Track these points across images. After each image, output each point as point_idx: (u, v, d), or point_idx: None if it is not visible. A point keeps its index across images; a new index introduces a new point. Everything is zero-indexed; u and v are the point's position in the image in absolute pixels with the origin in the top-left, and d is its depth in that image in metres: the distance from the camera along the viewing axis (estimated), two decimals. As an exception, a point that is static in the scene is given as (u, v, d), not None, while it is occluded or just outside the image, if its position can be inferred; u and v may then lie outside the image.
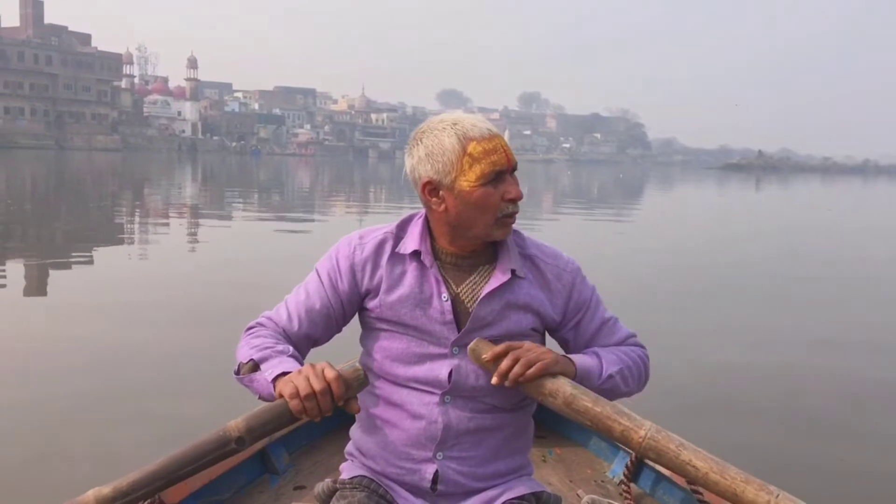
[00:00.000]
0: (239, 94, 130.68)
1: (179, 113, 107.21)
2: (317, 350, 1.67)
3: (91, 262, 10.04)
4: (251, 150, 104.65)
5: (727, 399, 4.96)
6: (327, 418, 1.40)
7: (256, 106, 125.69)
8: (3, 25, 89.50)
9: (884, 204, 35.98)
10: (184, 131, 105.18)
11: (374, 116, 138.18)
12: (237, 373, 1.54)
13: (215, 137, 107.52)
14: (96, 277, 8.84)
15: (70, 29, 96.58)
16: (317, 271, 1.64)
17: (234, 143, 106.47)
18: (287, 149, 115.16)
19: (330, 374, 1.37)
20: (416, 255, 1.58)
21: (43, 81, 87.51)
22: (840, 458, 4.04)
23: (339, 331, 1.67)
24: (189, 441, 1.37)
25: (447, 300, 1.57)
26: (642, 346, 1.71)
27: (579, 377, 1.52)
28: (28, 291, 7.80)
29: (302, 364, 1.48)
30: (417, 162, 1.53)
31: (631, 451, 2.53)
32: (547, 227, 16.17)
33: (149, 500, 1.83)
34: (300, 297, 1.63)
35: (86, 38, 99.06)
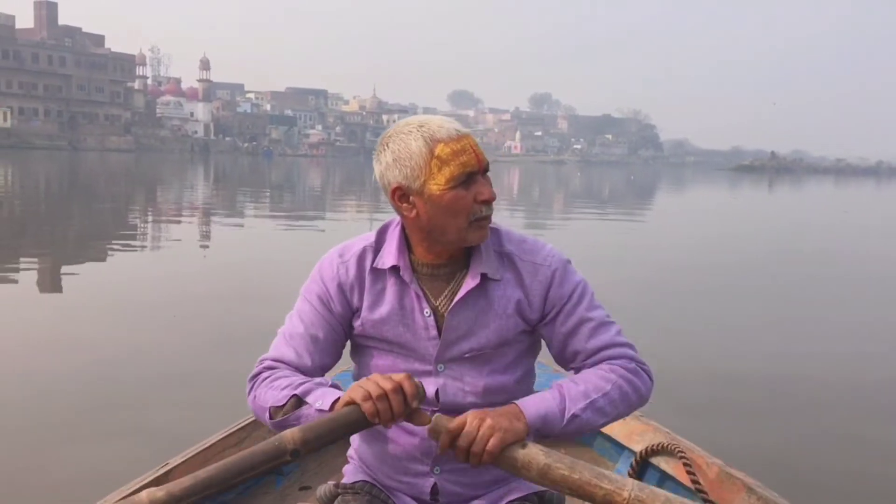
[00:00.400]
0: (251, 95, 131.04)
1: (192, 114, 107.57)
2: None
3: (104, 261, 10.13)
4: (263, 150, 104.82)
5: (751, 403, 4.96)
6: None
7: (268, 107, 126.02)
8: (17, 27, 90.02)
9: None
10: (196, 132, 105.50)
11: (385, 117, 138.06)
12: (271, 419, 1.44)
13: (227, 138, 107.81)
14: (107, 278, 8.91)
15: (84, 30, 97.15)
16: (305, 298, 1.59)
17: (245, 144, 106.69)
18: (298, 150, 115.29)
19: (398, 376, 1.33)
20: (395, 269, 1.54)
21: (57, 82, 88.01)
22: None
23: (342, 351, 1.64)
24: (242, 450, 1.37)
25: (430, 315, 1.53)
26: (632, 359, 1.56)
27: (534, 430, 1.43)
28: (42, 288, 7.88)
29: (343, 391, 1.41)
30: (385, 168, 1.48)
31: (636, 451, 2.56)
32: (556, 227, 16.15)
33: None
34: (298, 329, 1.56)
35: (99, 40, 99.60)
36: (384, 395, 1.30)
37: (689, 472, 2.26)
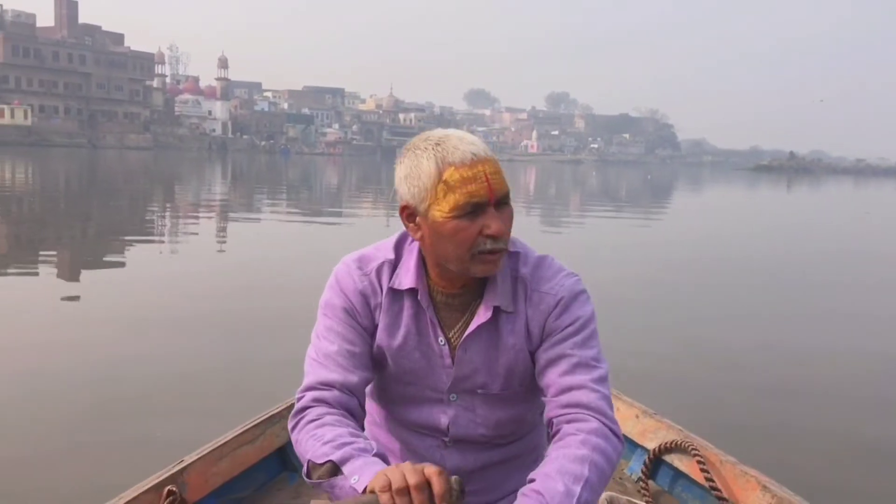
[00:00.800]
0: (268, 94, 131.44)
1: (210, 112, 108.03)
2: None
3: (122, 259, 10.20)
4: (280, 149, 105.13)
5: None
6: None
7: (286, 105, 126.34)
8: (38, 25, 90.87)
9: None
10: (214, 130, 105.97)
11: (401, 116, 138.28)
12: (308, 475, 1.32)
13: (245, 136, 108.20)
14: (127, 276, 8.99)
15: (104, 29, 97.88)
16: (329, 315, 1.48)
17: (263, 143, 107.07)
18: (316, 148, 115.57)
19: (430, 469, 1.16)
20: (412, 291, 1.46)
21: (77, 81, 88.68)
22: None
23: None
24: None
25: (444, 344, 1.47)
26: (601, 416, 1.37)
27: None
28: (61, 288, 7.95)
29: (388, 462, 1.29)
30: (399, 182, 1.39)
31: (649, 449, 2.56)
32: (571, 225, 16.11)
33: (170, 497, 1.91)
34: (331, 347, 1.45)
35: (119, 38, 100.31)
36: (405, 490, 1.15)
37: (702, 470, 2.27)
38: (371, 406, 1.64)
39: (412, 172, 1.35)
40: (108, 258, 10.14)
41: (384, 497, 1.15)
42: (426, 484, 1.15)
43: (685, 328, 6.89)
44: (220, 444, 2.19)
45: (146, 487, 1.87)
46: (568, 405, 1.37)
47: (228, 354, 5.37)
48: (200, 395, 4.53)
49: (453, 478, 1.19)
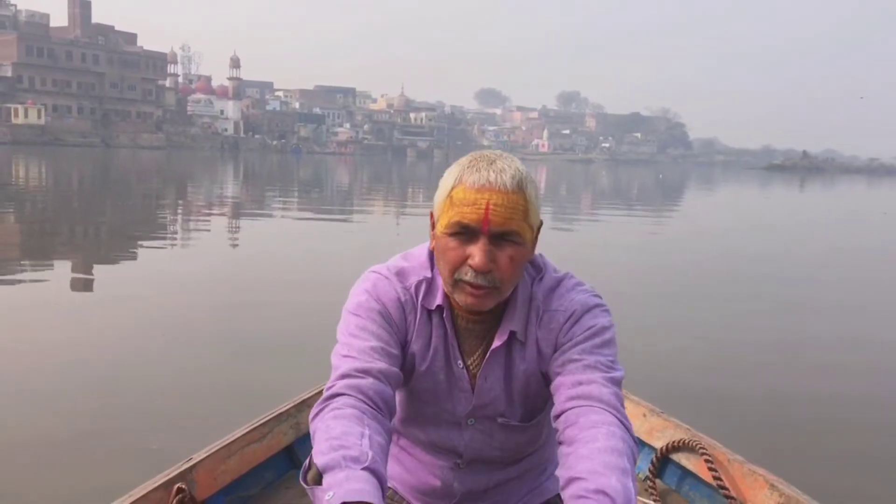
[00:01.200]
0: (280, 94, 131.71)
1: (222, 112, 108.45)
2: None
3: (135, 258, 10.26)
4: (292, 148, 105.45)
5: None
6: None
7: (297, 105, 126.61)
8: (52, 25, 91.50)
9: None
10: (226, 130, 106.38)
11: (412, 115, 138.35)
12: (304, 476, 1.18)
13: (257, 136, 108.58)
14: (144, 274, 9.03)
15: (116, 28, 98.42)
16: (359, 315, 1.40)
17: (275, 142, 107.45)
18: (327, 147, 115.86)
19: None
20: (440, 310, 1.43)
21: (90, 80, 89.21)
22: None
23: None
24: None
25: (463, 369, 1.44)
26: (615, 412, 1.28)
27: None
28: (74, 286, 8.01)
29: (380, 478, 1.13)
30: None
31: (656, 448, 2.56)
32: (580, 226, 16.08)
33: (180, 495, 1.92)
34: (367, 343, 1.36)
35: (132, 38, 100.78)
36: None
37: (710, 469, 2.27)
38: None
39: (442, 184, 1.34)
40: (122, 255, 10.19)
41: None
42: None
43: (694, 326, 6.87)
44: (228, 441, 2.20)
45: (156, 485, 1.89)
46: (579, 397, 1.29)
47: (235, 353, 5.40)
48: (202, 395, 4.56)
49: None
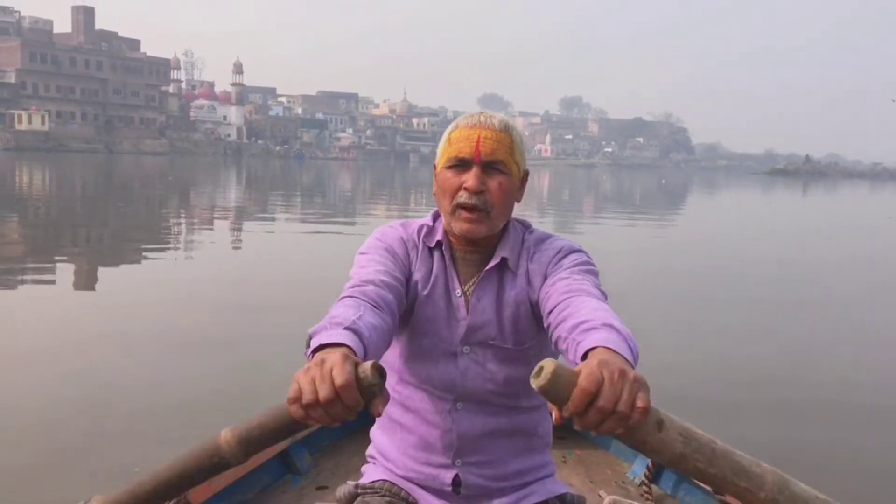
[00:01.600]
0: (283, 99, 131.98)
1: (225, 117, 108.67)
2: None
3: (139, 262, 10.30)
4: (295, 154, 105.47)
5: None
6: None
7: (300, 110, 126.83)
8: (55, 31, 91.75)
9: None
10: (229, 135, 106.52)
11: (415, 121, 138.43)
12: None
13: (260, 141, 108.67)
14: (147, 279, 9.06)
15: (120, 35, 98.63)
16: (368, 254, 1.57)
17: (277, 148, 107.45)
18: (330, 153, 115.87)
19: (340, 379, 1.04)
20: (438, 245, 1.61)
21: (93, 86, 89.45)
22: None
23: (399, 318, 1.50)
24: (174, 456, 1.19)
25: (460, 296, 1.58)
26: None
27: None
28: (77, 287, 8.04)
29: (360, 335, 1.22)
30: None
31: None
32: (582, 231, 16.08)
33: (175, 500, 1.94)
34: (373, 271, 1.49)
35: (135, 44, 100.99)
36: (316, 404, 1.05)
37: (706, 474, 2.28)
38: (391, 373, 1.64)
39: (443, 135, 1.57)
40: (124, 262, 10.23)
41: (293, 409, 1.07)
42: (337, 398, 1.04)
43: (695, 331, 6.89)
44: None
45: None
46: (570, 291, 1.40)
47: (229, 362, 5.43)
48: (199, 400, 4.59)
49: (368, 363, 1.07)
